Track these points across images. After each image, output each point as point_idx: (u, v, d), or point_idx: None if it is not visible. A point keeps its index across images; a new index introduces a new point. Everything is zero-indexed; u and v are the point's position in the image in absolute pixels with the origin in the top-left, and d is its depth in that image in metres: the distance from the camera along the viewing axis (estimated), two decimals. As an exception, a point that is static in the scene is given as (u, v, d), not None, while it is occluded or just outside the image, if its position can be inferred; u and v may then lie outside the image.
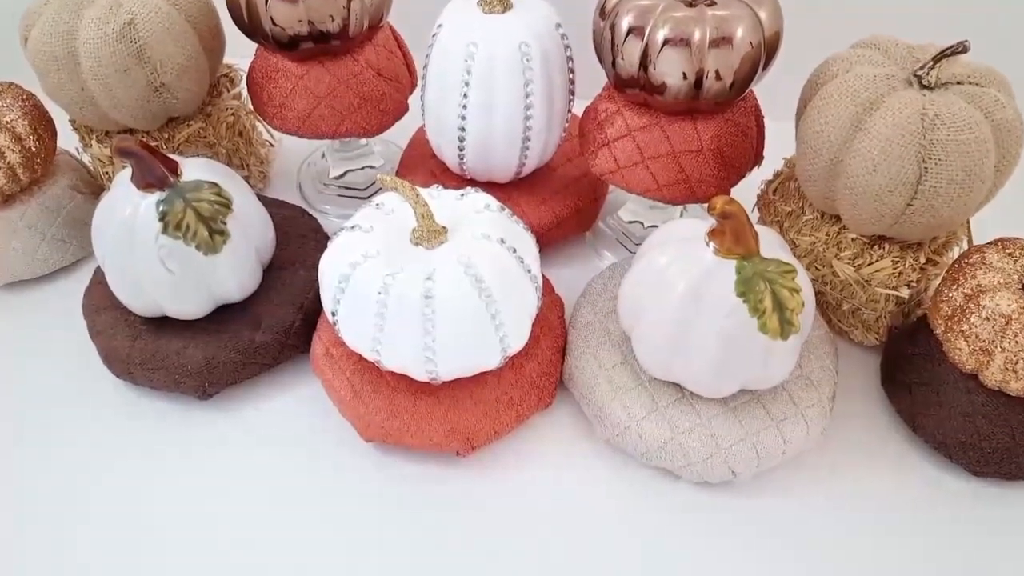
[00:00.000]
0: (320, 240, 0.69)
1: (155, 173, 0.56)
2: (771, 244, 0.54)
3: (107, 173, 0.73)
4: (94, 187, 0.76)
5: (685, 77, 0.57)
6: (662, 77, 0.57)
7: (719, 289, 0.51)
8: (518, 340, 0.55)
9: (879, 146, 0.54)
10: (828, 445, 0.61)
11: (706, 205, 0.77)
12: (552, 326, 0.63)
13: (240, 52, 0.74)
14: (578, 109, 0.70)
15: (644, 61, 0.57)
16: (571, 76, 0.65)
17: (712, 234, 0.52)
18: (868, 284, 0.62)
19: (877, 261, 0.61)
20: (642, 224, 0.73)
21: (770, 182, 0.69)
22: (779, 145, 0.68)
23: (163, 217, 0.56)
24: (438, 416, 0.57)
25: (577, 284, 0.68)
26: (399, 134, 0.80)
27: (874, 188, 0.55)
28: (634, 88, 0.59)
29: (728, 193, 0.64)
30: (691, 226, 0.56)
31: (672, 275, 0.53)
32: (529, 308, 0.56)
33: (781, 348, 0.53)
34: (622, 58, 0.58)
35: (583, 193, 0.72)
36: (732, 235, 0.51)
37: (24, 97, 0.70)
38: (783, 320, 0.51)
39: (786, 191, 0.67)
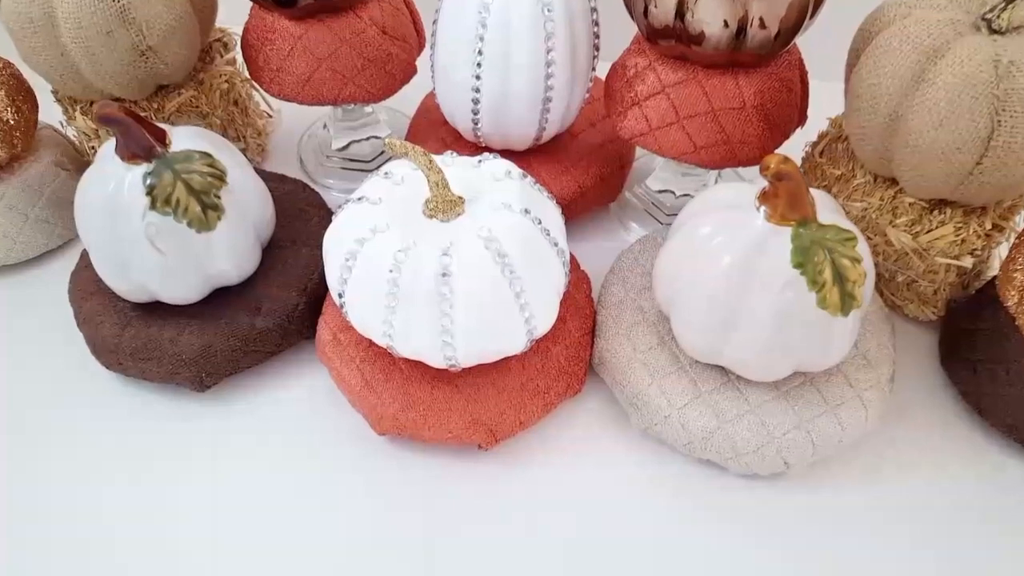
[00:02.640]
0: (324, 216, 0.64)
1: (141, 143, 0.51)
2: (826, 209, 0.48)
3: (93, 148, 0.68)
4: (80, 163, 0.70)
5: (726, 25, 0.51)
6: (701, 25, 0.51)
7: (772, 260, 0.45)
8: (545, 321, 0.50)
9: (946, 98, 0.48)
10: (885, 431, 0.56)
11: (741, 170, 0.72)
12: (579, 305, 0.57)
13: (233, 20, 0.69)
14: (600, 72, 0.64)
15: (681, 8, 0.51)
16: (595, 30, 0.59)
17: (764, 198, 0.46)
18: (927, 253, 0.56)
19: (937, 228, 0.55)
20: (673, 193, 0.67)
21: (815, 143, 0.63)
22: (819, 104, 0.63)
23: (151, 191, 0.51)
24: (457, 406, 0.52)
25: (603, 259, 0.63)
26: (405, 103, 0.74)
27: (939, 145, 0.50)
28: (668, 39, 0.54)
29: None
30: (735, 191, 0.50)
31: (717, 246, 0.47)
32: (557, 285, 0.50)
33: (840, 325, 0.47)
34: (655, 6, 0.52)
35: (608, 160, 0.66)
36: (787, 199, 0.45)
37: (0, 66, 0.65)
38: (844, 294, 0.46)
39: (833, 153, 0.61)
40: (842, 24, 0.59)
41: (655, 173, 0.69)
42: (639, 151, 0.71)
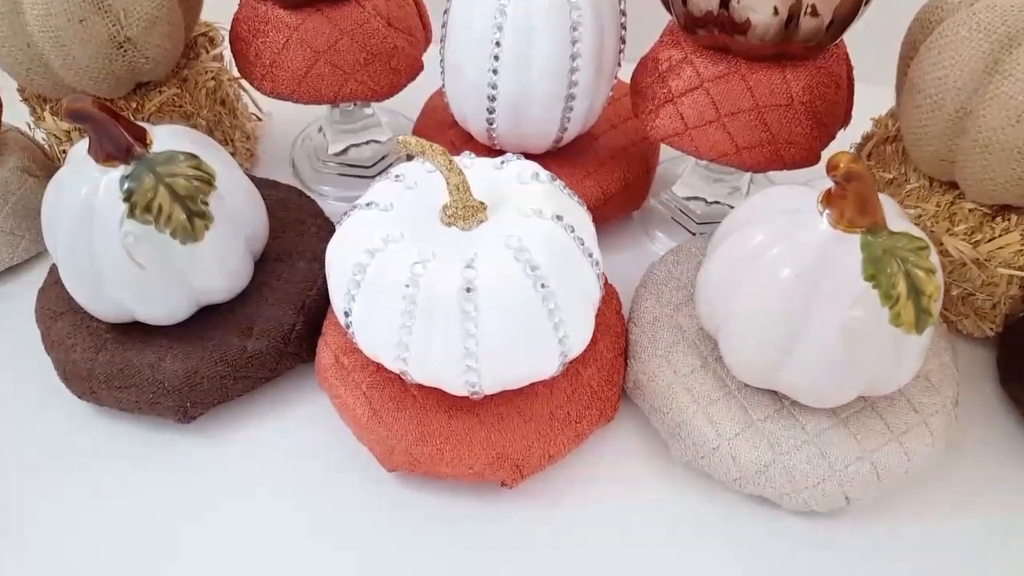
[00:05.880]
0: (322, 226, 0.58)
1: (118, 142, 0.45)
2: (893, 214, 0.43)
3: (64, 152, 0.62)
4: (49, 169, 0.64)
5: (776, 12, 0.46)
6: (747, 12, 0.46)
7: (841, 272, 0.40)
8: (580, 340, 0.44)
9: (1025, 90, 0.44)
10: (945, 459, 0.51)
11: (773, 175, 0.67)
12: (610, 323, 0.52)
13: (219, 14, 0.64)
14: (622, 74, 0.59)
15: (726, -7, 0.46)
16: (623, 20, 0.54)
17: (829, 200, 0.41)
18: (987, 264, 0.51)
19: (1000, 236, 0.50)
20: (705, 200, 0.62)
21: (860, 145, 0.59)
22: (856, 105, 0.58)
23: (129, 197, 0.45)
24: (479, 439, 0.46)
25: (627, 271, 0.58)
26: (407, 104, 0.69)
27: (1015, 143, 0.45)
28: (708, 28, 0.48)
29: (818, 157, 0.53)
30: (788, 194, 0.45)
31: (775, 257, 0.42)
32: (592, 300, 0.45)
33: (913, 344, 0.42)
34: (696, -9, 0.47)
35: (632, 164, 0.61)
36: (856, 202, 0.40)
37: (-41, 61, 0.59)
38: (919, 309, 0.41)
39: (882, 155, 0.56)
40: (877, 22, 0.54)
41: (683, 178, 0.64)
42: (661, 155, 0.66)
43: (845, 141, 0.59)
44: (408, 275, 0.40)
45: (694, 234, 0.62)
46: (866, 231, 0.40)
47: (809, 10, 0.46)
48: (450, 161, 0.41)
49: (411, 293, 0.41)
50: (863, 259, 0.40)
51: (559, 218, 0.43)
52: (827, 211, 0.41)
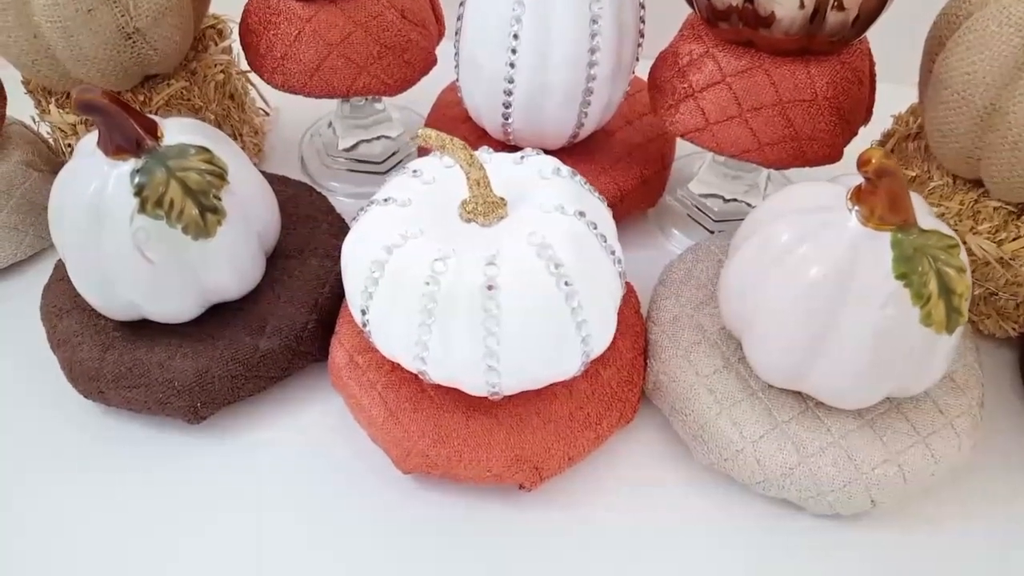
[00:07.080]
0: (333, 223, 0.57)
1: (128, 134, 0.44)
2: (922, 212, 0.42)
3: (70, 146, 0.60)
4: (54, 163, 0.63)
5: (802, 5, 0.45)
6: (772, 5, 0.45)
7: (871, 270, 0.39)
8: (602, 340, 0.43)
9: (1057, 86, 0.43)
10: (970, 461, 0.50)
11: (789, 173, 0.66)
12: (629, 322, 0.51)
13: (228, 6, 0.63)
14: (637, 71, 0.58)
15: (751, -15, 0.45)
16: (642, 14, 0.53)
17: (859, 197, 0.40)
18: (1012, 263, 0.50)
19: (1027, 235, 0.50)
20: (722, 198, 0.61)
21: (882, 142, 0.58)
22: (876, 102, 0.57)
23: (140, 191, 0.44)
24: (498, 440, 0.45)
25: (643, 269, 0.57)
26: (418, 99, 0.68)
27: (1045, 141, 0.44)
28: (732, 22, 0.47)
29: (841, 153, 0.52)
30: (815, 191, 0.44)
31: (803, 255, 0.41)
32: (615, 298, 0.44)
33: (943, 344, 0.41)
34: (720, -17, 0.46)
35: (649, 161, 0.60)
36: (887, 199, 0.39)
37: (-37, 53, 0.57)
38: (950, 308, 0.40)
39: (905, 152, 0.55)
40: (893, 18, 0.53)
41: (699, 176, 0.62)
42: (677, 151, 0.65)
43: (866, 139, 0.58)
44: (428, 272, 0.39)
45: (711, 232, 0.61)
46: (897, 229, 0.40)
47: (835, 4, 0.45)
48: (470, 155, 0.40)
49: (431, 291, 0.39)
50: (894, 257, 0.39)
51: (582, 214, 0.42)
52: (856, 208, 0.40)
